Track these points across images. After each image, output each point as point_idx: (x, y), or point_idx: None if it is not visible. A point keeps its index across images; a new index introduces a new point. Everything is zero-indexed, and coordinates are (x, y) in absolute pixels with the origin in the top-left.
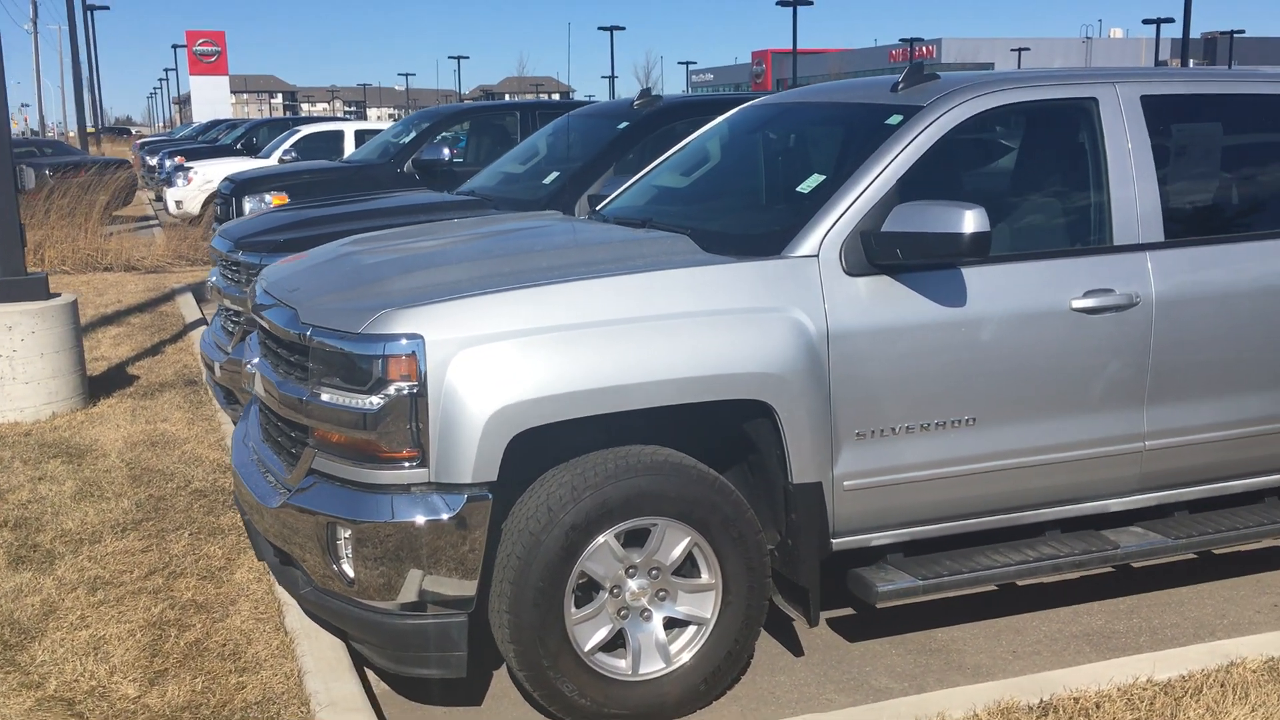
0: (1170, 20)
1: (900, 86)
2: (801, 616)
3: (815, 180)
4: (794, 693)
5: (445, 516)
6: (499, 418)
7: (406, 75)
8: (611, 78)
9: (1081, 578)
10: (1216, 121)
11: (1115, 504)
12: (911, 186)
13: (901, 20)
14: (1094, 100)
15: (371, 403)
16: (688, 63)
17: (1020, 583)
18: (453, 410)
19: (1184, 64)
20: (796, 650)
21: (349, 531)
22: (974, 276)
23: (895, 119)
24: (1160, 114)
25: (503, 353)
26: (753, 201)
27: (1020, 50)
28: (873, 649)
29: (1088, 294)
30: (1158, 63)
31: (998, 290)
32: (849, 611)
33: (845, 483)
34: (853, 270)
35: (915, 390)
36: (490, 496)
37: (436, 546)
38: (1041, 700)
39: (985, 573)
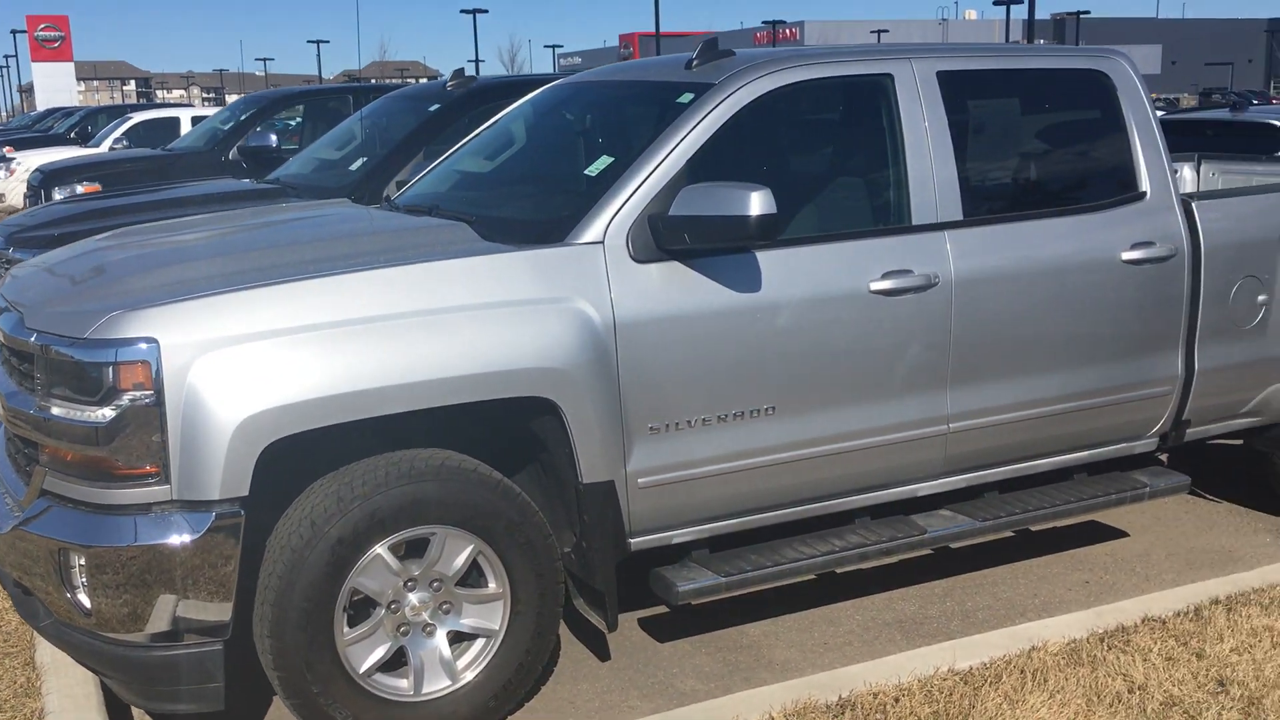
0: (1019, 1)
1: (694, 63)
2: (601, 621)
3: (604, 163)
4: (595, 700)
5: (191, 538)
6: (247, 427)
7: (265, 60)
8: (476, 61)
9: (900, 562)
10: (1013, 97)
11: (923, 488)
12: (703, 168)
13: (768, 2)
14: (889, 77)
15: (103, 415)
16: (554, 46)
17: (839, 570)
18: (195, 421)
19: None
20: (603, 655)
21: (83, 558)
22: (769, 260)
23: (686, 97)
24: (957, 90)
25: (250, 356)
26: (543, 186)
27: (879, 32)
28: (682, 649)
29: (886, 275)
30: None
31: (794, 274)
32: (662, 611)
33: (640, 480)
34: (641, 257)
35: (710, 381)
36: (243, 513)
37: (184, 571)
38: (840, 698)
39: (791, 565)
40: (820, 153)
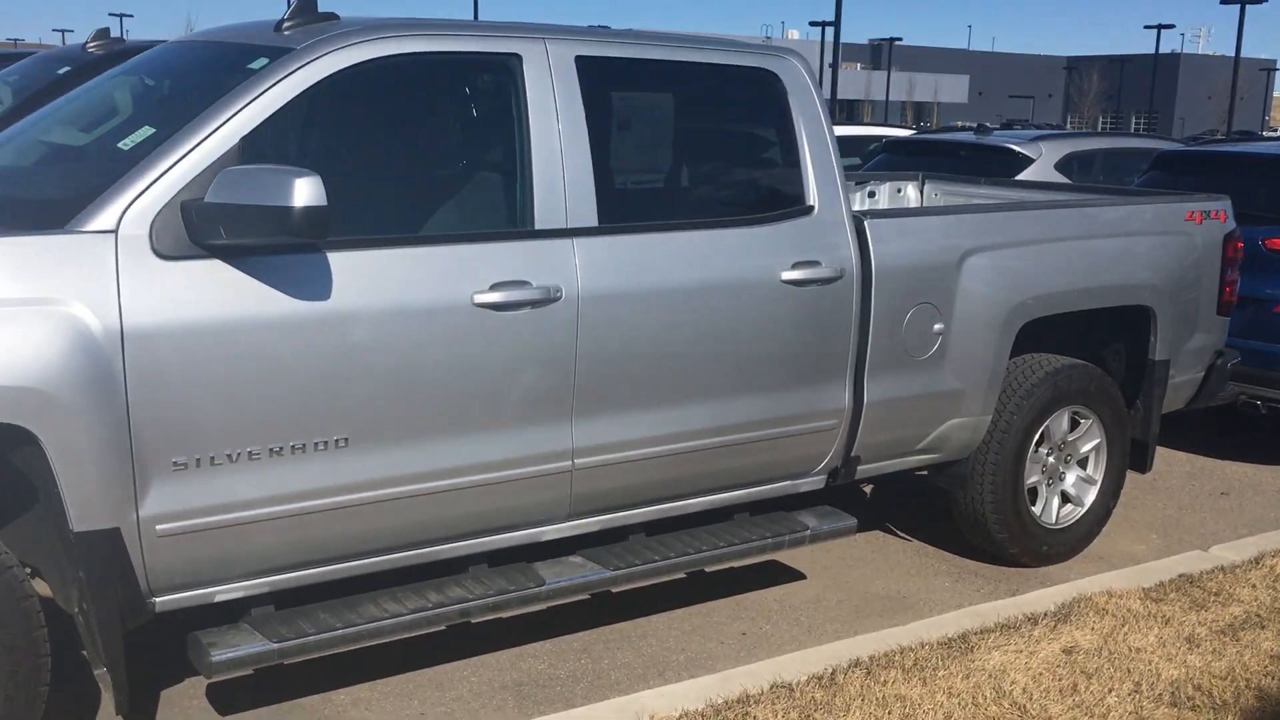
0: (832, 24)
1: (285, 25)
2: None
3: (142, 134)
4: None
5: None
6: None
7: (63, 31)
8: (122, 17)
9: (549, 609)
10: (668, 93)
11: (548, 532)
12: (269, 149)
13: (597, 10)
14: (517, 58)
15: None
16: None
17: (474, 620)
18: None
19: (833, 68)
20: None
21: None
22: (344, 264)
23: (259, 62)
24: (599, 80)
25: None
26: (79, 161)
27: None
28: None
29: (496, 287)
30: (832, 67)
31: (377, 281)
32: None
33: (159, 526)
34: (170, 252)
35: (260, 407)
36: None
37: None
38: None
39: (367, 626)
40: (426, 141)
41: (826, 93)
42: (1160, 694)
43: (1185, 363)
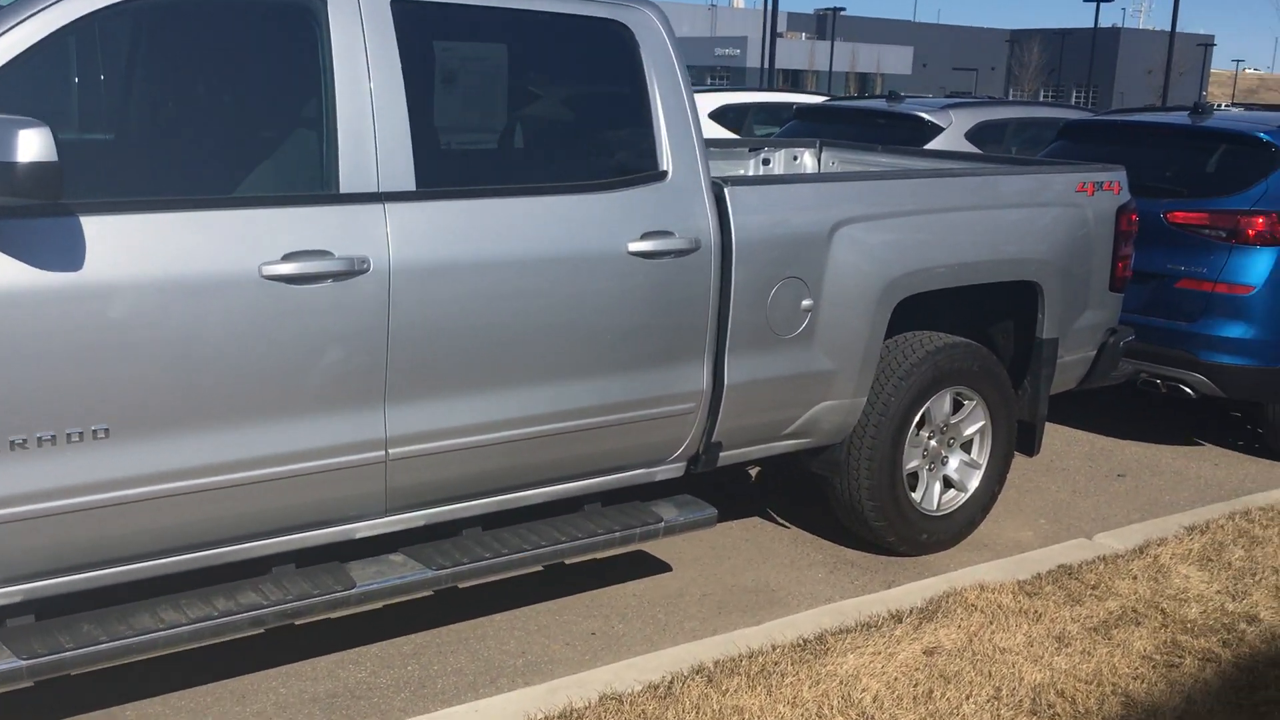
0: None
1: None
2: None
3: None
4: None
5: None
6: None
7: None
8: None
9: (387, 607)
10: (502, 44)
11: (363, 528)
12: (15, 96)
13: None
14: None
15: None
16: None
17: (298, 622)
18: None
19: (769, 38)
20: None
21: None
22: (100, 229)
23: None
24: (420, 27)
25: None
26: None
27: None
28: None
29: (290, 258)
30: (772, 35)
31: (141, 250)
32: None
33: None
34: None
35: None
36: None
37: None
38: None
39: (139, 639)
40: (212, 91)
41: (765, 62)
42: (1020, 700)
43: (1076, 341)
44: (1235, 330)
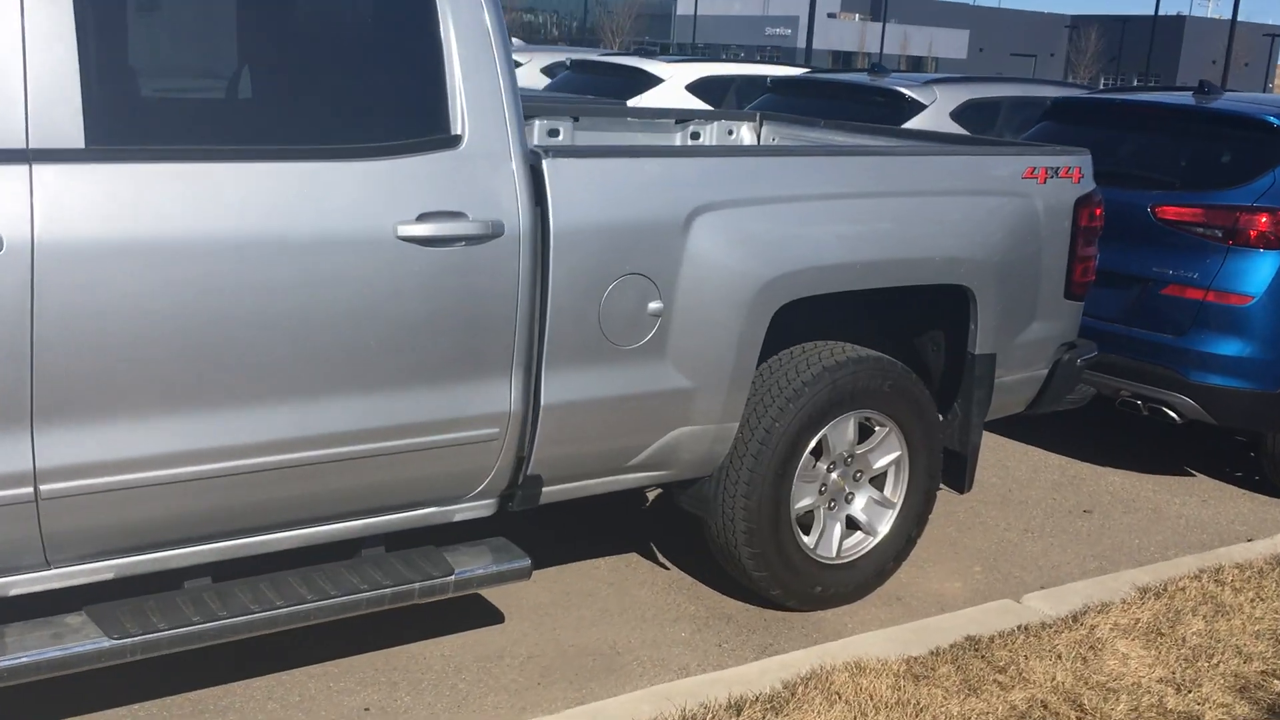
0: None
1: None
2: None
3: None
4: None
5: None
6: None
7: None
8: None
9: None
10: None
11: (20, 583)
12: None
13: None
14: None
15: None
16: None
17: None
18: None
19: (811, 16)
20: None
21: None
22: None
23: None
24: None
25: None
26: None
27: None
28: None
29: None
30: (811, 14)
31: None
32: None
33: None
34: None
35: None
36: None
37: None
38: None
39: None
40: None
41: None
42: None
43: (1020, 358)
44: (1230, 347)
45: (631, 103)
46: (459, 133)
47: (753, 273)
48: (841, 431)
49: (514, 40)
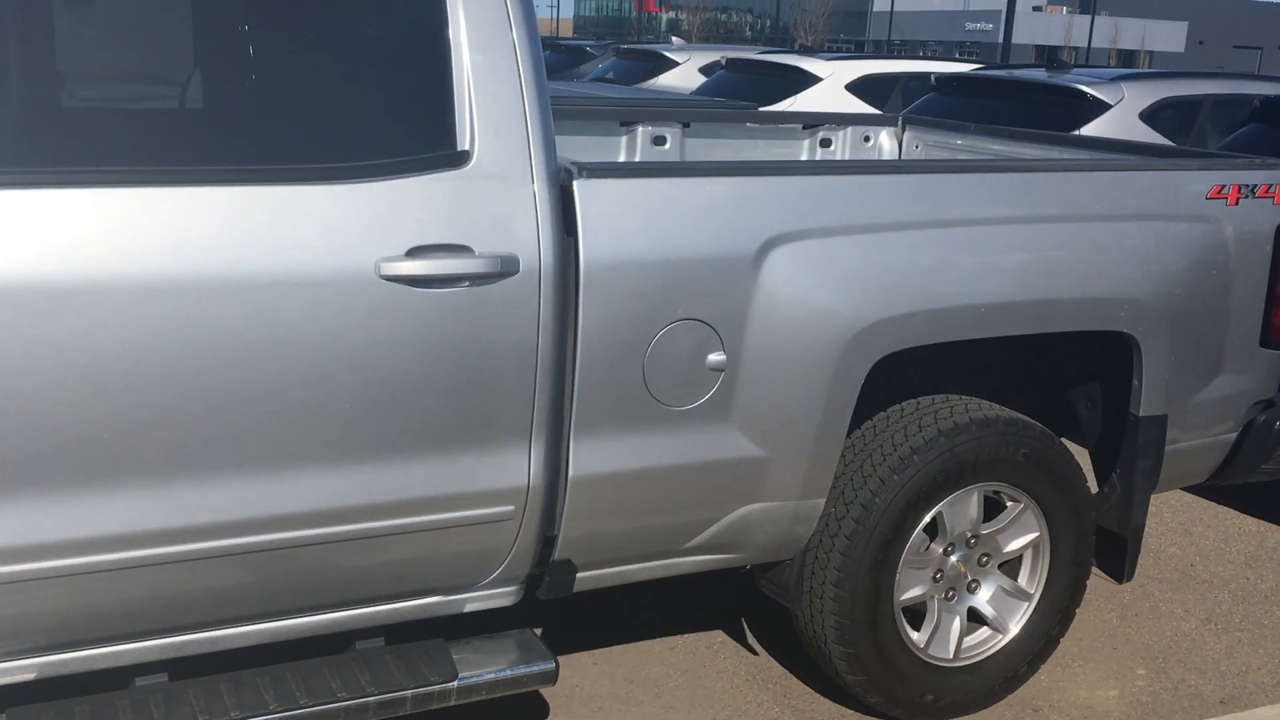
0: None
1: None
2: None
3: None
4: None
5: None
6: None
7: None
8: None
9: None
10: None
11: None
12: None
13: None
14: None
15: None
16: None
17: None
18: None
19: (1010, 9)
20: None
21: None
22: None
23: None
24: None
25: None
26: None
27: None
28: None
29: None
30: (1010, 7)
31: None
32: None
33: None
34: None
35: None
36: None
37: None
38: None
39: None
40: None
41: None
42: None
43: (1200, 419)
44: None
45: (786, 104)
46: (465, 149)
47: (846, 317)
48: (962, 508)
49: (674, 39)
